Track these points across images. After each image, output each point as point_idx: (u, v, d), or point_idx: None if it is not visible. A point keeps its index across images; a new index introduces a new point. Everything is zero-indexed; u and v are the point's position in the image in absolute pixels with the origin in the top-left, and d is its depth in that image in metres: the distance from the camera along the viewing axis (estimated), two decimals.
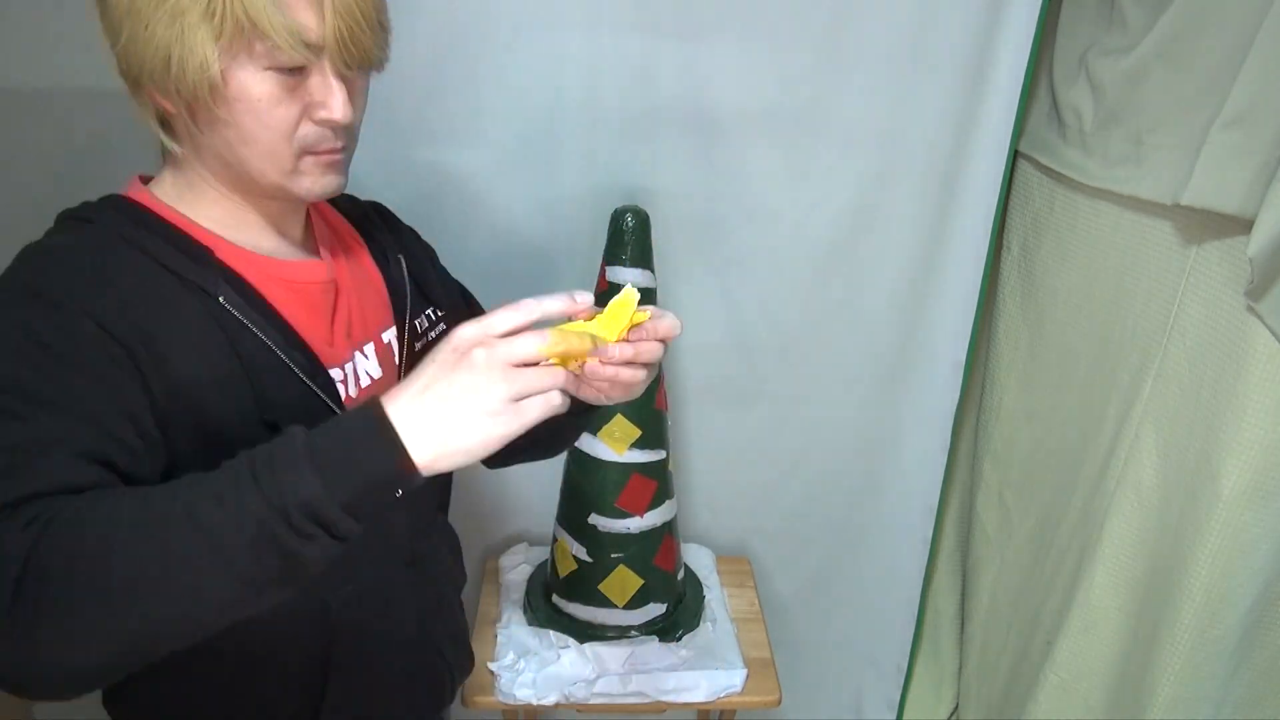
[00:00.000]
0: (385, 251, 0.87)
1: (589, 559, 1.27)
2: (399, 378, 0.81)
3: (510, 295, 1.47)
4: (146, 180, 0.74)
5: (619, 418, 1.21)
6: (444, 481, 0.96)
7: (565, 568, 1.31)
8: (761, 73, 1.26)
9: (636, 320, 0.72)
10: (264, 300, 0.71)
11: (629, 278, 1.18)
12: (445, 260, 1.35)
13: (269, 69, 0.64)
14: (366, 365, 0.81)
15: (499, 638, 1.33)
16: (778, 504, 1.60)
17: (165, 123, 0.69)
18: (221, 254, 0.70)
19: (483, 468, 1.53)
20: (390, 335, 0.84)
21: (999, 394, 1.55)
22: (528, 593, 1.40)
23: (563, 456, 1.31)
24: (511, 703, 1.23)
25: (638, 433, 1.22)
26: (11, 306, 0.61)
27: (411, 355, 0.84)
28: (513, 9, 1.20)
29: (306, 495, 0.54)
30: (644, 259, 1.19)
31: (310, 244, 0.80)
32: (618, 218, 1.18)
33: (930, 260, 1.41)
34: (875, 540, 1.64)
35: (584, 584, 1.29)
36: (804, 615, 1.70)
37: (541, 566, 1.45)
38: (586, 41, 1.23)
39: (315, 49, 0.65)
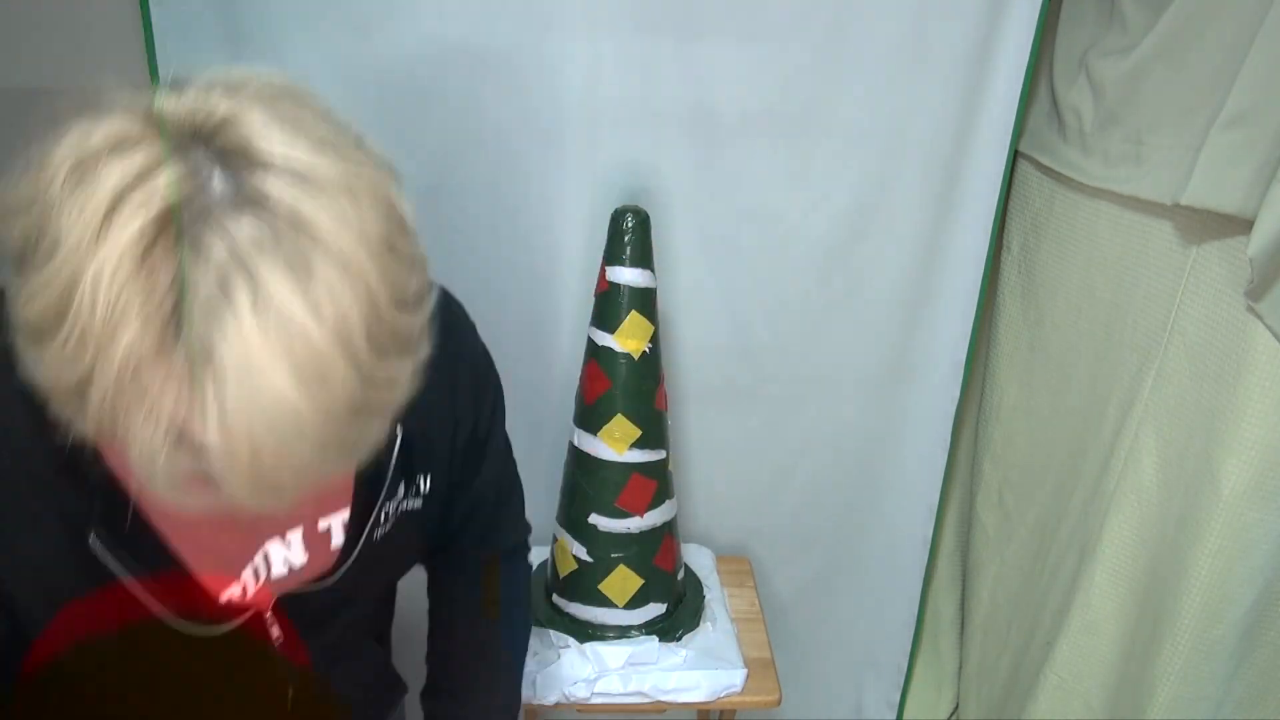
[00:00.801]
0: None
1: (589, 559, 1.27)
2: (336, 568, 0.67)
3: (511, 295, 1.48)
4: None
5: (619, 418, 1.21)
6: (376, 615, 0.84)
7: (565, 567, 1.31)
8: (761, 73, 1.26)
9: None
10: (146, 528, 0.57)
11: (629, 278, 1.18)
12: (445, 259, 1.35)
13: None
14: (287, 553, 0.66)
15: None
16: (778, 504, 1.60)
17: None
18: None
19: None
20: (334, 521, 0.67)
21: (999, 394, 1.55)
22: None
23: (563, 456, 1.31)
24: None
25: (638, 432, 1.22)
26: None
27: (369, 544, 0.69)
28: (513, 9, 1.20)
29: None
30: (644, 259, 1.19)
31: None
32: (618, 218, 1.18)
33: (930, 260, 1.41)
34: (875, 540, 1.64)
35: (584, 584, 1.29)
36: (804, 615, 1.70)
37: (541, 566, 1.45)
38: (586, 41, 1.23)
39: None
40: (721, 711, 1.32)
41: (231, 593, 0.63)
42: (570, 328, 1.40)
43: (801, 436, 1.54)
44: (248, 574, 0.64)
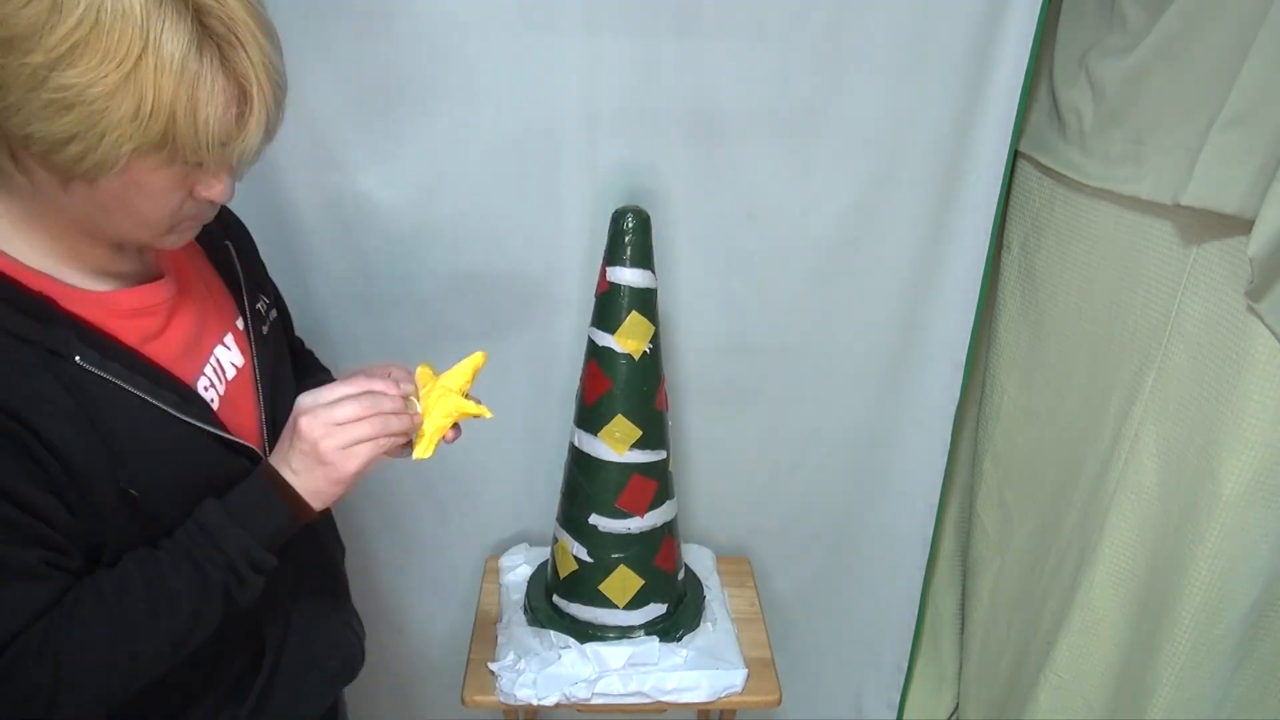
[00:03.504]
0: (214, 240, 0.86)
1: (590, 559, 1.27)
2: (254, 362, 0.84)
3: (512, 296, 1.49)
4: None
5: (619, 418, 1.21)
6: None
7: (566, 568, 1.31)
8: (761, 73, 1.26)
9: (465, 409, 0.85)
10: (117, 343, 0.69)
11: (630, 278, 1.18)
12: (447, 259, 1.36)
13: (175, 163, 0.63)
14: (230, 356, 0.82)
15: (499, 638, 1.33)
16: (778, 504, 1.60)
17: (12, 155, 0.62)
18: (63, 301, 0.67)
19: (483, 469, 1.53)
20: (240, 322, 0.86)
21: (999, 394, 1.55)
22: (528, 593, 1.40)
23: (564, 457, 1.31)
24: (512, 703, 1.23)
25: (638, 433, 1.22)
26: None
27: (260, 341, 0.86)
28: (512, 9, 1.20)
29: (243, 547, 0.70)
30: (644, 259, 1.19)
31: (148, 257, 0.78)
32: (618, 218, 1.18)
33: (930, 260, 1.41)
34: (875, 540, 1.64)
35: (584, 584, 1.29)
36: (804, 615, 1.70)
37: (542, 567, 1.45)
38: (586, 42, 1.23)
39: (228, 152, 0.65)
40: (722, 711, 1.32)
41: (205, 391, 0.77)
42: (570, 328, 1.40)
43: (801, 436, 1.54)
44: (211, 374, 0.79)
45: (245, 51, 0.63)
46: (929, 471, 1.59)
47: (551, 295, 1.39)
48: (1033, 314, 1.44)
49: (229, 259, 0.87)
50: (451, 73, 1.23)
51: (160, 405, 0.70)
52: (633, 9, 1.21)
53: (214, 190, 0.68)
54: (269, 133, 0.68)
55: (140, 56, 0.57)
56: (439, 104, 1.25)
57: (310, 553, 0.92)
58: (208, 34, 0.60)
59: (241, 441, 0.77)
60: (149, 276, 0.76)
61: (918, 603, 1.69)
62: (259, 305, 0.88)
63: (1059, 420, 1.39)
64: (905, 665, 1.75)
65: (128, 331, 0.71)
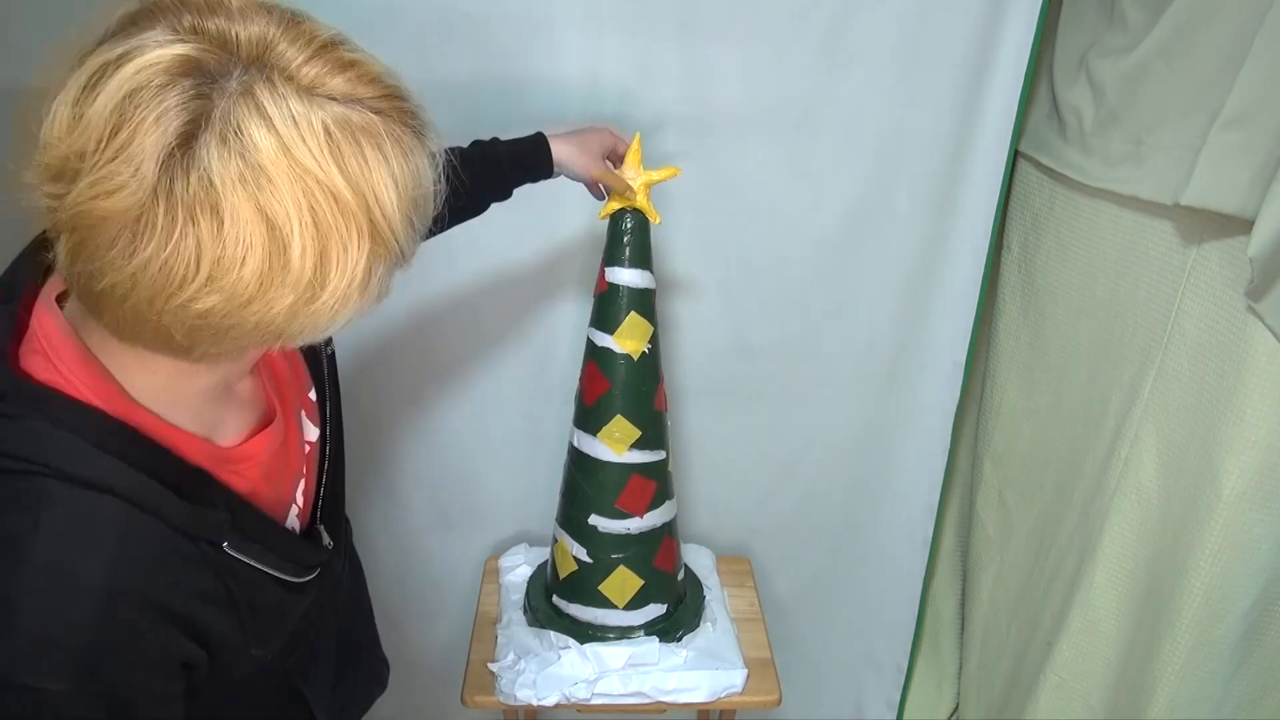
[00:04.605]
0: None
1: (589, 560, 1.27)
2: (326, 434, 0.81)
3: (511, 296, 1.48)
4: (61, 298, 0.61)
5: (619, 418, 1.21)
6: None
7: (565, 568, 1.31)
8: (761, 73, 1.26)
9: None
10: (252, 509, 0.67)
11: (628, 278, 1.18)
12: (445, 260, 1.36)
13: None
14: (308, 433, 0.79)
15: (499, 638, 1.33)
16: (778, 504, 1.60)
17: None
18: (212, 466, 0.63)
19: (483, 469, 1.52)
20: (313, 393, 0.82)
21: (999, 394, 1.55)
22: (528, 593, 1.40)
23: (563, 457, 1.31)
24: (512, 703, 1.23)
25: (637, 433, 1.22)
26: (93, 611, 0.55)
27: (335, 419, 0.83)
28: (512, 9, 1.20)
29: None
30: (644, 259, 1.19)
31: (258, 380, 0.74)
32: (618, 218, 1.18)
33: (930, 260, 1.41)
34: (875, 540, 1.64)
35: (584, 585, 1.29)
36: (804, 615, 1.70)
37: (542, 567, 1.45)
38: (586, 42, 1.23)
39: None
40: (721, 711, 1.32)
41: (291, 508, 0.76)
42: (570, 328, 1.40)
43: (801, 436, 1.54)
44: (300, 484, 0.77)
45: None
46: (929, 471, 1.58)
47: (551, 295, 1.39)
48: (1033, 314, 1.44)
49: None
50: (451, 72, 1.23)
51: (287, 579, 0.70)
52: (633, 9, 1.21)
53: None
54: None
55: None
56: (438, 104, 1.25)
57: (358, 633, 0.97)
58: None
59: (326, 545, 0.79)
60: (257, 406, 0.72)
61: (918, 603, 1.69)
62: (330, 349, 0.83)
63: (1059, 420, 1.39)
64: (905, 665, 1.75)
65: (252, 486, 0.68)
